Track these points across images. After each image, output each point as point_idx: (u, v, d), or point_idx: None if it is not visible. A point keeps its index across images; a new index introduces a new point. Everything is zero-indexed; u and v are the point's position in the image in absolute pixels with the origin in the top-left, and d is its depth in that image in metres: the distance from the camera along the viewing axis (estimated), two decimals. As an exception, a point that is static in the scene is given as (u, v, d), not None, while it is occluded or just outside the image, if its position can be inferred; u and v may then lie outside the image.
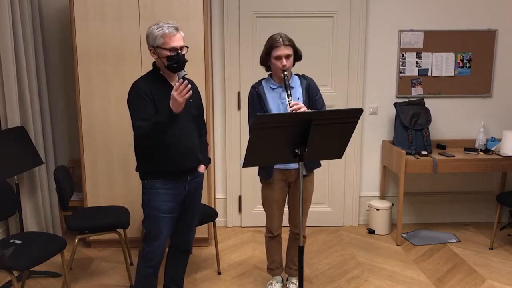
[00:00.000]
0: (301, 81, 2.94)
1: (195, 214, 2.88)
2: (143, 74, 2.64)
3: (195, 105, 2.74)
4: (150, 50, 2.58)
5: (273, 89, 2.92)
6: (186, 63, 2.59)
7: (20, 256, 2.72)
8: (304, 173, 2.98)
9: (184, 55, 2.57)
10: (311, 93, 2.92)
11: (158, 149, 2.59)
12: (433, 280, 3.45)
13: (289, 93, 2.73)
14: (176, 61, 2.53)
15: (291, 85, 2.90)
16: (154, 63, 2.65)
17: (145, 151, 2.62)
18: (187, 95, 2.40)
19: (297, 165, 2.94)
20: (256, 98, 2.93)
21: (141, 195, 2.70)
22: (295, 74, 2.99)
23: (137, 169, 2.71)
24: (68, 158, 4.39)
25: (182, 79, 2.41)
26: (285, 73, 2.78)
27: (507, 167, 3.94)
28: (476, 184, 4.56)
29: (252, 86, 2.97)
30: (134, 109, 2.54)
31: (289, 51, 2.79)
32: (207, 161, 2.86)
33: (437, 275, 3.52)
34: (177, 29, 2.55)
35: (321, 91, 3.03)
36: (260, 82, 2.98)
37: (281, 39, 2.79)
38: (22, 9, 3.68)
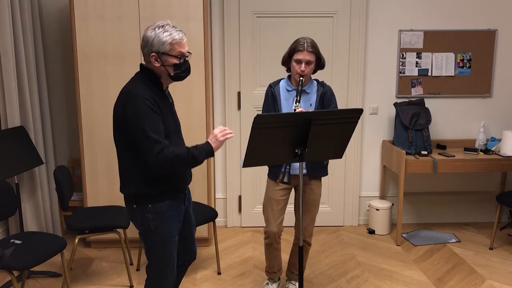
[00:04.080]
0: (317, 88, 2.92)
1: (194, 225, 2.69)
2: (136, 80, 2.28)
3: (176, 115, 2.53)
4: (151, 56, 2.22)
5: (288, 91, 2.92)
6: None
7: (20, 256, 2.73)
8: (305, 172, 2.97)
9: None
10: (326, 101, 2.91)
11: None
12: (433, 280, 3.45)
13: (298, 98, 2.74)
14: (184, 69, 2.28)
15: (307, 91, 2.90)
16: (143, 67, 2.30)
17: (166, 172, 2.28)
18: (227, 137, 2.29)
19: (305, 171, 2.95)
20: (271, 97, 2.94)
21: (140, 221, 2.33)
22: (314, 80, 2.97)
23: (132, 194, 2.32)
24: (68, 158, 4.39)
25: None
26: (301, 78, 2.78)
27: (507, 167, 3.94)
28: (476, 184, 4.56)
29: (269, 85, 2.98)
30: (145, 124, 2.14)
31: (310, 57, 2.76)
32: None
33: (437, 275, 3.52)
34: (184, 34, 2.27)
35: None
36: (278, 81, 2.98)
37: (305, 44, 2.76)
38: (22, 9, 3.68)
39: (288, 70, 2.94)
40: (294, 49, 2.80)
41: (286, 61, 2.89)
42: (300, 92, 2.76)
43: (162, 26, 2.21)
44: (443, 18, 4.27)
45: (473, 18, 4.28)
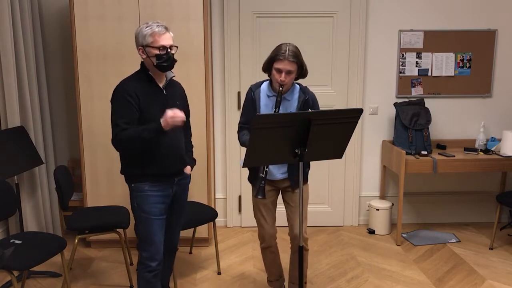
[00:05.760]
0: (299, 95, 2.80)
1: (182, 214, 2.87)
2: (129, 75, 2.64)
3: (181, 109, 2.64)
4: (139, 50, 2.57)
5: (269, 96, 2.80)
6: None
7: (20, 256, 2.72)
8: (286, 176, 2.87)
9: (173, 54, 2.57)
10: (306, 109, 2.77)
11: (145, 151, 2.56)
12: (433, 280, 3.45)
13: (276, 110, 2.65)
14: (165, 59, 2.53)
15: (288, 98, 2.78)
16: (142, 63, 2.63)
17: (131, 153, 2.59)
18: (179, 122, 2.44)
19: (283, 175, 2.85)
20: (250, 101, 2.83)
21: (130, 199, 2.68)
22: (297, 84, 2.83)
23: (122, 172, 2.68)
24: (68, 158, 4.39)
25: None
26: (281, 88, 2.66)
27: (507, 167, 3.94)
28: (476, 184, 4.56)
29: (250, 87, 2.87)
30: (116, 111, 2.51)
31: (291, 67, 2.61)
32: (192, 162, 2.86)
33: (437, 275, 3.52)
34: (166, 29, 2.54)
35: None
36: (259, 84, 2.85)
37: (286, 53, 2.60)
38: (22, 9, 3.68)
39: (270, 75, 2.79)
40: (274, 57, 2.64)
41: (267, 68, 2.73)
42: (279, 103, 2.66)
43: (147, 23, 2.55)
44: (443, 18, 4.28)
45: (473, 18, 4.28)
